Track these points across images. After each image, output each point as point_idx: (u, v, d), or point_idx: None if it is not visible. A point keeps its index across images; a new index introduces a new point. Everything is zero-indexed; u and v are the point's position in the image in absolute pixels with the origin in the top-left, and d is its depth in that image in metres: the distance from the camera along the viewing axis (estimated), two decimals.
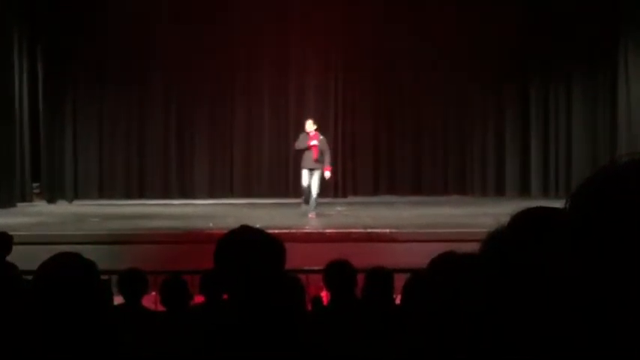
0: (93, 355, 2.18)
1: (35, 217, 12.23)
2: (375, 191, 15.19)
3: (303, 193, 11.71)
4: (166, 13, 14.75)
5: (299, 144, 11.62)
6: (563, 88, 14.98)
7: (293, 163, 13.94)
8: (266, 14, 14.80)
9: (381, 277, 4.73)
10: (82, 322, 2.15)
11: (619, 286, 0.86)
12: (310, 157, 11.45)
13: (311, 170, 11.47)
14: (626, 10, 14.03)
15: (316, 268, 5.62)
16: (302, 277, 5.23)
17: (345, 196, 15.01)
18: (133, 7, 14.66)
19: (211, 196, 14.91)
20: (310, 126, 11.61)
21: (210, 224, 10.82)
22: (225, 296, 2.40)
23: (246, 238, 2.29)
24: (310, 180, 11.43)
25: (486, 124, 15.19)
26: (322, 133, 11.83)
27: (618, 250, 0.86)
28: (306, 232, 10.10)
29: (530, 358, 1.09)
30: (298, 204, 12.00)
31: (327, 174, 11.59)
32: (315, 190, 11.43)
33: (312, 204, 11.50)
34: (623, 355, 0.86)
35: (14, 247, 6.54)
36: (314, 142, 11.47)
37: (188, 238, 9.72)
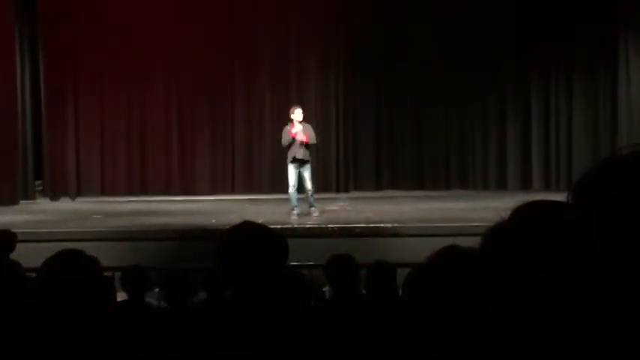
0: (96, 352, 2.18)
1: (38, 214, 12.26)
2: (377, 186, 15.18)
3: (290, 196, 10.81)
4: (167, 9, 14.75)
5: (284, 140, 10.75)
6: (565, 81, 14.97)
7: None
8: (266, 11, 14.79)
9: (383, 271, 4.73)
10: (85, 319, 2.16)
11: (622, 278, 0.86)
12: (296, 147, 10.66)
13: (302, 163, 10.72)
14: (627, 7, 14.03)
15: (319, 263, 5.61)
16: (304, 272, 5.23)
17: (347, 191, 15.02)
18: (133, 4, 14.68)
19: (213, 192, 14.92)
20: (299, 115, 10.79)
21: (213, 220, 10.83)
22: (227, 292, 2.41)
23: (248, 234, 2.30)
24: (302, 175, 10.75)
25: (488, 118, 15.18)
26: (315, 125, 11.27)
27: (620, 242, 0.86)
28: (308, 228, 10.10)
29: (531, 353, 1.09)
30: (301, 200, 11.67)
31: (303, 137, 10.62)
32: (310, 186, 10.87)
33: (311, 202, 10.96)
34: (626, 352, 0.86)
35: (17, 245, 6.57)
36: (295, 130, 10.64)
37: (190, 235, 9.73)
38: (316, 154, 15.14)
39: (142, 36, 14.80)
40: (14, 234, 6.63)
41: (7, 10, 13.67)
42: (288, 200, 11.04)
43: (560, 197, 1.15)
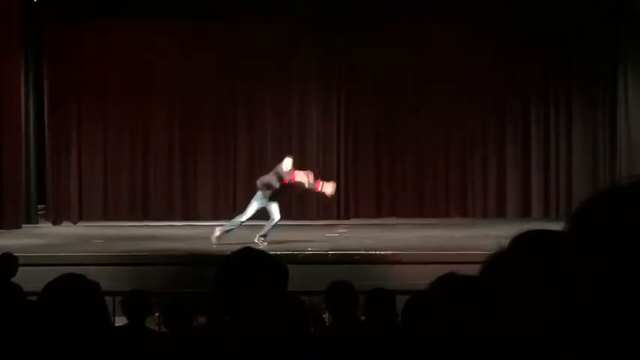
0: None
1: (40, 238, 12.25)
2: (377, 213, 15.19)
3: (234, 225, 11.16)
4: (169, 34, 14.86)
5: (276, 183, 10.98)
6: (564, 110, 15.03)
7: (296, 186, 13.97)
8: (267, 36, 14.88)
9: (382, 298, 4.73)
10: (86, 343, 2.17)
11: (621, 308, 0.87)
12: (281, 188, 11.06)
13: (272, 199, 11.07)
14: (625, 31, 14.12)
15: (318, 289, 5.61)
16: (304, 298, 5.23)
17: (347, 217, 15.02)
18: (136, 31, 14.79)
19: (215, 217, 14.90)
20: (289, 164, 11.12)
21: (214, 246, 10.83)
22: (227, 318, 2.41)
23: (248, 259, 2.31)
24: (271, 208, 11.01)
25: (487, 146, 15.23)
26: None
27: (619, 273, 0.87)
28: (309, 254, 10.10)
29: None
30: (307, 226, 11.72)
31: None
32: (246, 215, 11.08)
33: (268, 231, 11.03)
34: None
35: (19, 269, 6.57)
36: (328, 191, 11.31)
37: (191, 260, 9.73)
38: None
39: (144, 62, 14.89)
40: (16, 258, 6.65)
41: (12, 32, 13.78)
42: (229, 227, 11.18)
43: (559, 226, 1.17)
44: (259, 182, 11.14)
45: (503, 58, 14.65)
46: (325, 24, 14.75)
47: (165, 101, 15.17)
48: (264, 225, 11.13)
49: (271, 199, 11.03)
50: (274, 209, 11.01)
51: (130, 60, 14.81)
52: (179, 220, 14.71)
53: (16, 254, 6.76)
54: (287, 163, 11.18)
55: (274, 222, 11.01)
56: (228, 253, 2.39)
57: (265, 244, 10.57)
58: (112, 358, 2.33)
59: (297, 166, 11.54)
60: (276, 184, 10.94)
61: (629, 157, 14.04)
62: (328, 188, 11.21)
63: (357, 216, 15.09)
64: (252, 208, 11.12)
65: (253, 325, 2.19)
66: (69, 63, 14.84)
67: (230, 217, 14.95)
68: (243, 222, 11.18)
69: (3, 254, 6.73)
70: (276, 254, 8.42)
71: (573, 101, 14.95)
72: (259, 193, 11.08)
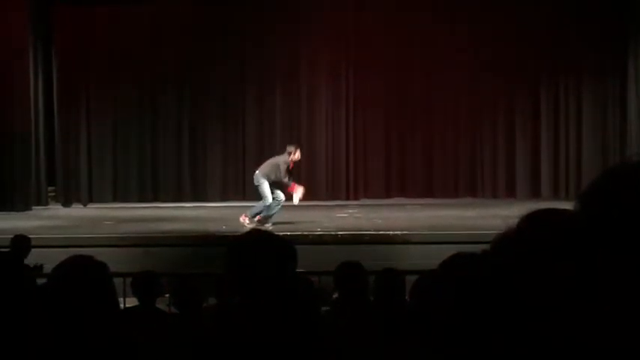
0: (105, 357, 2.21)
1: (50, 220, 12.31)
2: (387, 193, 15.18)
3: (273, 207, 11.03)
4: (178, 17, 14.83)
5: (285, 177, 10.98)
6: (574, 89, 14.95)
7: (306, 165, 13.98)
8: (277, 18, 14.82)
9: (392, 278, 4.74)
10: (94, 322, 2.18)
11: (628, 285, 0.87)
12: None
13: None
14: (636, 8, 14.01)
15: (328, 270, 5.63)
16: (314, 279, 5.25)
17: (356, 198, 15.02)
18: (145, 12, 14.77)
19: (224, 199, 14.95)
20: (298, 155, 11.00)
21: (223, 227, 10.86)
22: (237, 299, 2.43)
23: (257, 240, 2.32)
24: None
25: (497, 126, 15.17)
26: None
27: (627, 250, 0.87)
28: (318, 235, 10.12)
29: (537, 357, 1.10)
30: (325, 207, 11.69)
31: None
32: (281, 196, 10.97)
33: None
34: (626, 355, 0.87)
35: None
36: (297, 195, 10.98)
37: (201, 241, 9.76)
38: (326, 161, 15.19)
39: (153, 42, 14.87)
40: (29, 239, 6.69)
41: (21, 17, 13.79)
42: (268, 210, 10.99)
43: (569, 205, 1.16)
44: (268, 176, 11.00)
45: (513, 37, 14.57)
46: None
47: (174, 82, 15.16)
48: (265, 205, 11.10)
49: (273, 185, 10.94)
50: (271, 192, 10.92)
51: (139, 40, 14.79)
52: (188, 201, 14.75)
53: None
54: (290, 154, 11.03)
55: (266, 204, 10.92)
56: (237, 234, 2.39)
57: (259, 225, 10.55)
58: (120, 338, 2.34)
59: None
60: (284, 176, 10.85)
61: (639, 135, 13.98)
62: (298, 192, 10.90)
63: (366, 196, 15.09)
64: (267, 190, 10.98)
65: (263, 305, 2.20)
66: (78, 44, 14.84)
67: (239, 199, 15.03)
68: (270, 204, 10.96)
69: (16, 236, 6.78)
70: (285, 235, 8.46)
71: (583, 79, 14.86)
72: (264, 180, 11.00)
